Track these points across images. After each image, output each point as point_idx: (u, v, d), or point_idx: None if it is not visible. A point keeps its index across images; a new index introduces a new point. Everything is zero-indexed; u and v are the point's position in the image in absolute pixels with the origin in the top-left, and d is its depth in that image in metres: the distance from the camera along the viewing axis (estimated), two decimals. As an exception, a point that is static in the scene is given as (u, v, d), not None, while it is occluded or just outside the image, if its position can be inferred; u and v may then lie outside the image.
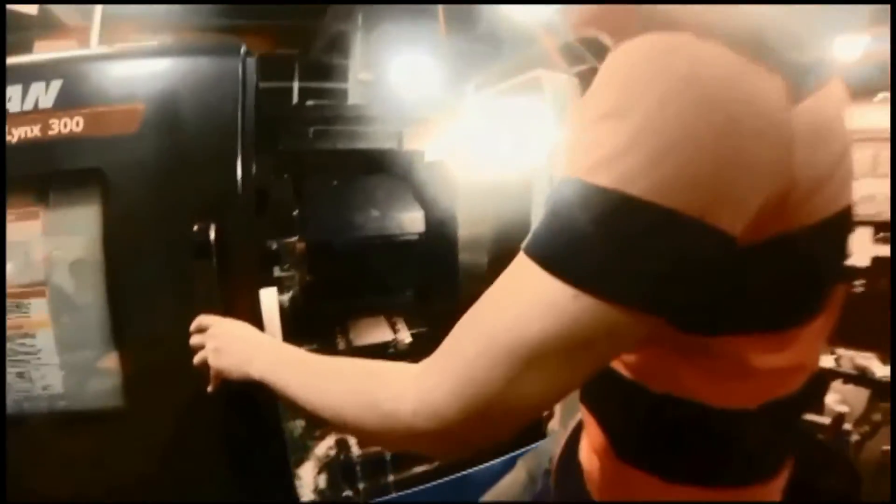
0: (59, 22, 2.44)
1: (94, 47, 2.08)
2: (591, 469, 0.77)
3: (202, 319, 0.98)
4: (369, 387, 0.60)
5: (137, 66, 1.42)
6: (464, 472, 1.77)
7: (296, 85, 11.41)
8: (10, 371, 1.33)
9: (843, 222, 0.59)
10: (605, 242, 0.45)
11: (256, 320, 1.46)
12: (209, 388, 0.93)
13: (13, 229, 1.35)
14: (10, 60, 1.42)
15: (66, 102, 1.31)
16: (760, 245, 0.50)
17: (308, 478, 1.64)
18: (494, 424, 0.51)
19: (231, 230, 1.31)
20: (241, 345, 0.89)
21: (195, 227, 1.27)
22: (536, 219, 1.70)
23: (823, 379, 2.54)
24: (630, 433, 0.72)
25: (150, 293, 1.31)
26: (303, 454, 1.69)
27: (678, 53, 0.44)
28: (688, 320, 0.55)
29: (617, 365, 0.66)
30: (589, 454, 0.78)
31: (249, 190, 1.46)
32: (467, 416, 0.50)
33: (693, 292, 0.48)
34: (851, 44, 9.70)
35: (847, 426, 2.40)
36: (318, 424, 1.72)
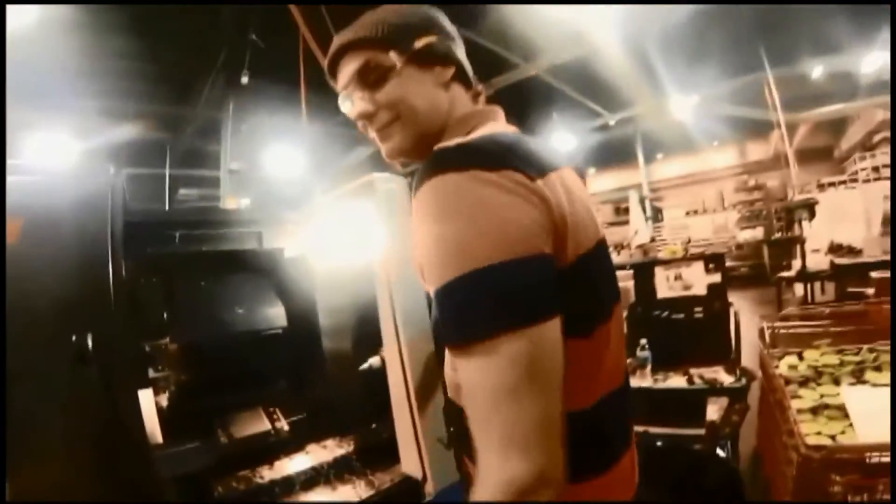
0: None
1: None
2: None
3: None
4: None
5: (16, 183, 1.48)
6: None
7: (167, 172, 11.11)
8: None
9: (601, 252, 0.85)
10: (503, 295, 0.66)
11: (138, 421, 1.51)
12: None
13: None
14: None
15: None
16: (564, 270, 0.73)
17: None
18: (551, 451, 0.65)
19: (107, 337, 1.40)
20: None
21: (73, 338, 1.35)
22: (381, 302, 1.87)
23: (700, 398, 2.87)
24: None
25: (31, 403, 1.34)
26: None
27: (460, 184, 0.69)
28: None
29: None
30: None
31: (121, 298, 1.54)
32: (530, 459, 0.63)
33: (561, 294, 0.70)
34: (684, 103, 11.04)
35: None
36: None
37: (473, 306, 0.66)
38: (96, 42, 5.89)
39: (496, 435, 0.65)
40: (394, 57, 0.90)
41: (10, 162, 1.53)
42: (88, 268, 1.47)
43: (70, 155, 7.70)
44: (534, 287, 0.68)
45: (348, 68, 0.93)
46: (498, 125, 0.93)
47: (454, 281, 0.67)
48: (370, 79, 0.92)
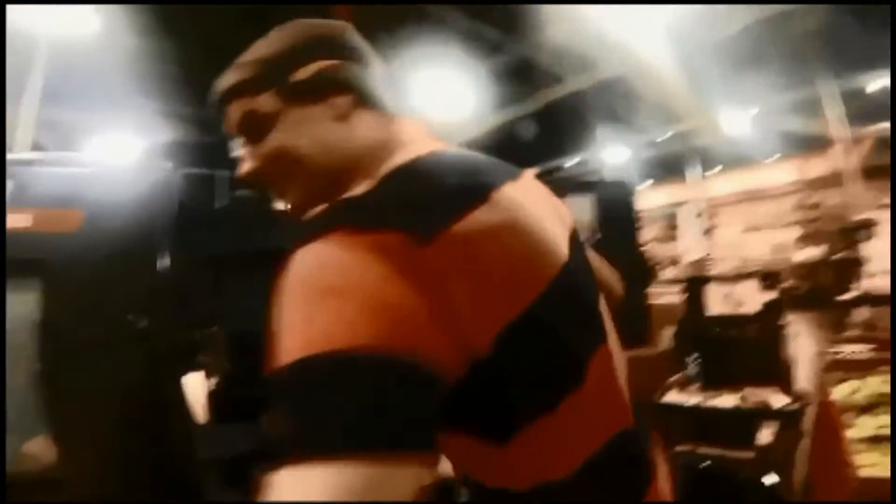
0: None
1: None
2: None
3: None
4: None
5: (78, 174, 1.57)
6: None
7: (214, 173, 11.48)
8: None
9: (561, 290, 0.66)
10: (351, 399, 0.47)
11: (182, 402, 1.57)
12: None
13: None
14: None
15: (17, 201, 1.46)
16: (491, 348, 0.58)
17: None
18: None
19: (158, 321, 1.47)
20: None
21: (128, 318, 1.43)
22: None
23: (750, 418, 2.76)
24: None
25: (82, 378, 1.42)
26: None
27: (319, 253, 0.56)
28: (482, 431, 0.65)
29: (475, 474, 0.73)
30: None
31: (172, 287, 1.61)
32: None
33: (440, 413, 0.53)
34: (739, 117, 10.80)
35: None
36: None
37: (307, 409, 0.48)
38: (156, 47, 6.16)
39: None
40: (270, 100, 0.75)
41: (72, 154, 1.63)
42: (143, 257, 1.53)
43: (133, 153, 8.07)
44: (402, 398, 0.49)
45: (230, 120, 0.79)
46: (417, 147, 0.76)
47: (289, 368, 0.49)
48: (251, 131, 0.77)
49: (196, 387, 1.93)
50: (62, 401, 1.39)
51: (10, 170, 1.48)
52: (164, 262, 1.55)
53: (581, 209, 2.23)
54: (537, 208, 0.72)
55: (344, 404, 0.47)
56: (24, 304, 1.41)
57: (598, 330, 0.77)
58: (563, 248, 0.72)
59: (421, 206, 0.61)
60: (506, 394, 0.63)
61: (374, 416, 0.47)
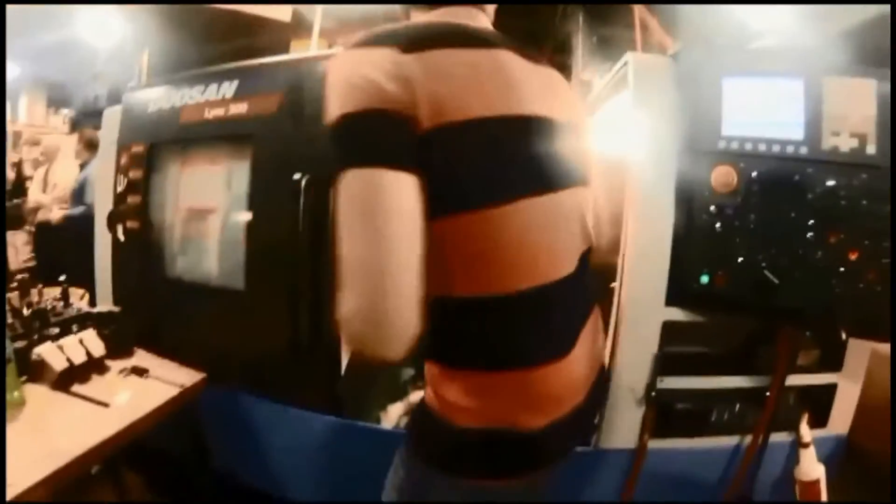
0: (310, 25, 3.01)
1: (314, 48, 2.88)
2: (430, 399, 0.93)
3: None
4: None
5: (281, 68, 2.07)
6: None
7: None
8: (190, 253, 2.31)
9: (513, 127, 0.86)
10: (342, 139, 0.79)
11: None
12: None
13: (210, 171, 2.24)
14: (225, 67, 2.16)
15: (239, 94, 2.10)
16: (435, 131, 0.78)
17: (394, 414, 1.95)
18: (371, 292, 0.72)
19: (319, 180, 1.88)
20: None
21: (295, 176, 1.91)
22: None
23: None
24: (449, 341, 0.88)
25: (271, 214, 2.02)
26: (401, 396, 2.00)
27: (342, 61, 0.82)
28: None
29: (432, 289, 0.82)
30: (428, 391, 0.94)
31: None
32: (348, 297, 0.73)
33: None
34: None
35: None
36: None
37: (332, 149, 0.78)
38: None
39: (340, 269, 0.74)
40: None
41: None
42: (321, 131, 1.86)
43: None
44: (363, 136, 0.77)
45: None
46: (438, 14, 1.00)
47: (331, 124, 0.80)
48: None
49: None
50: (258, 233, 2.07)
51: (236, 73, 2.11)
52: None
53: (857, 103, 1.40)
54: (527, 77, 0.91)
55: (342, 141, 0.78)
56: (242, 167, 2.14)
57: (560, 174, 0.93)
58: (538, 108, 0.91)
59: (411, 36, 0.83)
60: (452, 171, 0.81)
61: (357, 145, 0.77)
